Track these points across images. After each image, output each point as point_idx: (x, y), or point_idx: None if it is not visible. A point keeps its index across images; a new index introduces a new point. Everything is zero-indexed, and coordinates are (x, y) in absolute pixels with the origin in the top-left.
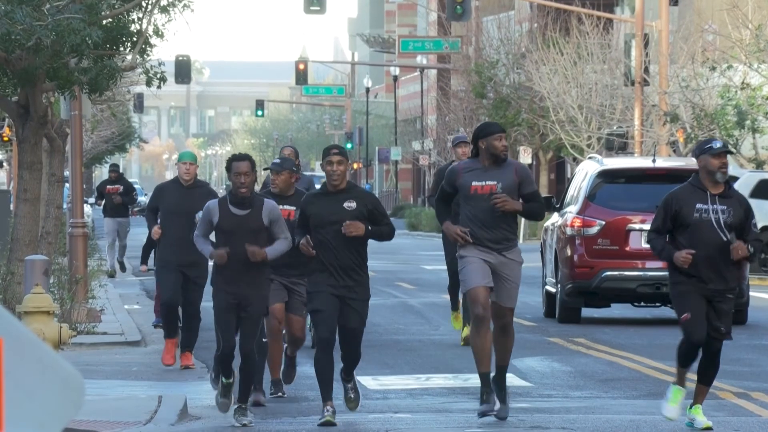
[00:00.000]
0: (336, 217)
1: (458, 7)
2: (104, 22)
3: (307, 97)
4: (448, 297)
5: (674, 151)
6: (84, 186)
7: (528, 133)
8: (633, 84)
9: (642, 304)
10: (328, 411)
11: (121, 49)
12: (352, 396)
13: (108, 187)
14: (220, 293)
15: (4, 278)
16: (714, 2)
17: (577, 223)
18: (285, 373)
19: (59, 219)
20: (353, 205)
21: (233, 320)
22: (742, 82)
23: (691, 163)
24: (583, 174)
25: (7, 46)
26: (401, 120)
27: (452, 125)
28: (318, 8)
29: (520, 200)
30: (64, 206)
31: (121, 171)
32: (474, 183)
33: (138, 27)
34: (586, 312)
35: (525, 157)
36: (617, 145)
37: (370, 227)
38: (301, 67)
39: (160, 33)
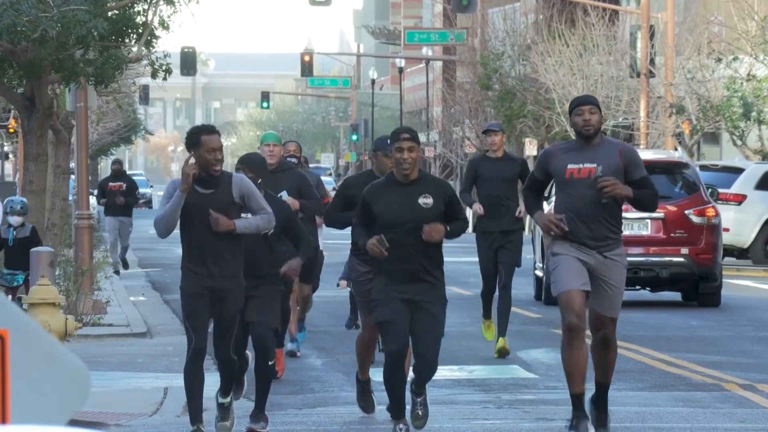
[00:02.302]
0: (411, 215)
1: None
2: (110, 13)
3: (313, 88)
4: (456, 290)
5: (680, 142)
6: (90, 178)
7: (534, 124)
8: (639, 76)
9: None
10: (400, 430)
11: (127, 40)
12: (420, 413)
13: (110, 184)
14: (189, 279)
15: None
16: None
17: None
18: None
19: (65, 211)
20: (430, 201)
21: (205, 310)
22: (748, 74)
23: (671, 155)
24: None
25: (12, 37)
26: (406, 112)
27: (458, 117)
28: (323, 0)
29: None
30: (70, 198)
31: (124, 168)
32: (570, 165)
33: (143, 19)
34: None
35: (531, 148)
36: (623, 136)
37: (448, 227)
38: (307, 58)
39: (165, 25)
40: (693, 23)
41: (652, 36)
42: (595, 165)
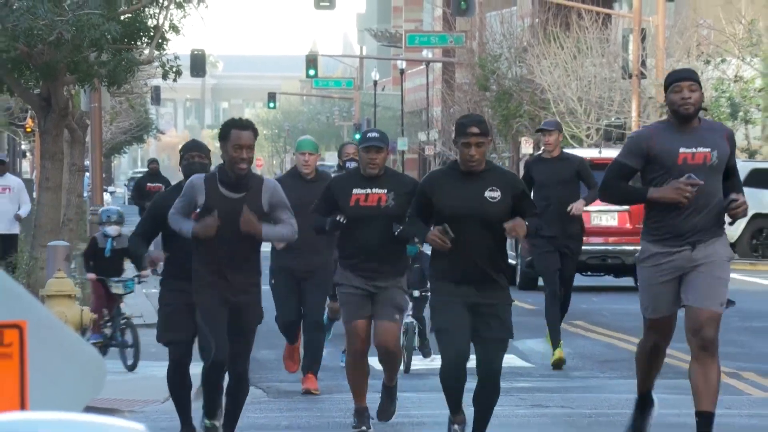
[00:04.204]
0: (476, 209)
1: (462, 2)
2: (122, 17)
3: (317, 89)
4: None
5: None
6: (104, 175)
7: (530, 124)
8: (630, 77)
9: (589, 273)
10: (455, 431)
11: (139, 43)
12: None
13: (149, 185)
14: (206, 288)
15: (27, 263)
16: None
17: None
18: (382, 408)
19: (80, 207)
20: (497, 194)
21: (224, 318)
22: (735, 75)
23: None
24: None
25: (29, 40)
26: (407, 112)
27: (456, 117)
28: (328, 4)
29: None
30: (85, 194)
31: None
32: (683, 149)
33: (155, 22)
34: (582, 297)
35: (526, 147)
36: (615, 135)
37: (527, 223)
38: (312, 60)
39: (176, 28)
40: (683, 26)
41: (643, 39)
42: (710, 149)
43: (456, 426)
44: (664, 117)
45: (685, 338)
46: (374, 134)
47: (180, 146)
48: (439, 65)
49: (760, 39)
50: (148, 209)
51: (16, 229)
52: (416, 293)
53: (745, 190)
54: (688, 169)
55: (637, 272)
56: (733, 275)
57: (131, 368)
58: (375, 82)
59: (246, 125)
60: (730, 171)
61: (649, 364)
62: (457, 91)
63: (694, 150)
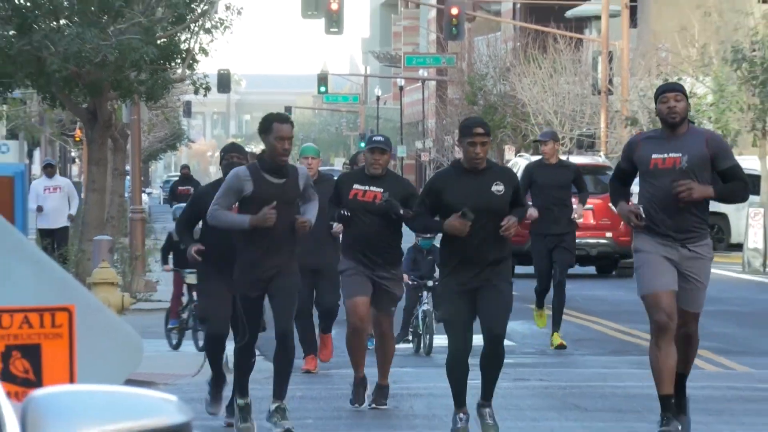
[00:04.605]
0: (485, 202)
1: (454, 29)
2: (159, 41)
3: (327, 104)
4: None
5: None
6: (142, 178)
7: (512, 134)
8: (599, 93)
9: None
10: (461, 420)
11: (173, 64)
12: (491, 422)
13: (180, 188)
14: (246, 269)
15: (76, 255)
16: (667, 25)
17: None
18: (374, 401)
19: (121, 206)
20: (501, 188)
21: (261, 301)
22: (690, 92)
23: (597, 160)
24: (518, 167)
25: (78, 62)
26: (406, 123)
27: (449, 128)
28: (336, 30)
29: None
30: (126, 195)
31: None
32: (654, 155)
33: (187, 46)
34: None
35: (509, 153)
36: (586, 144)
37: (516, 217)
38: (323, 78)
39: (204, 51)
40: (644, 49)
41: (610, 60)
42: (680, 154)
43: (461, 415)
44: (629, 129)
45: (647, 321)
46: (379, 138)
47: (210, 151)
48: (433, 83)
49: (711, 61)
50: (191, 200)
51: (66, 222)
52: (430, 283)
53: None
54: (660, 173)
55: (634, 260)
56: None
57: (202, 349)
58: (378, 98)
59: (285, 119)
60: (725, 174)
61: (660, 362)
62: (449, 105)
63: (665, 155)
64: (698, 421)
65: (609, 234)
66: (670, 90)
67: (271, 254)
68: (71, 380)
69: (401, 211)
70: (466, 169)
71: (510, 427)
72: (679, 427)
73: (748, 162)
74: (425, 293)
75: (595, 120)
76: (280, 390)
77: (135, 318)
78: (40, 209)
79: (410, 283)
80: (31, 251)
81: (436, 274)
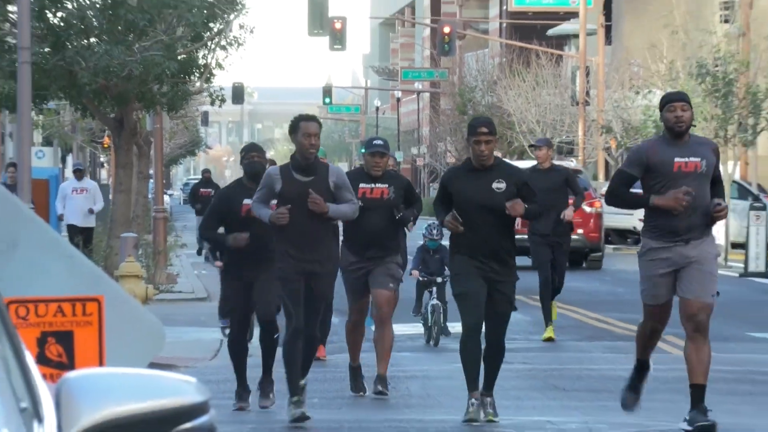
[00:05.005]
0: (483, 198)
1: (446, 46)
2: (179, 57)
3: (332, 113)
4: None
5: (609, 155)
6: (164, 181)
7: (499, 141)
8: (577, 104)
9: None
10: (473, 405)
11: (192, 77)
12: (492, 411)
13: (201, 190)
14: (286, 262)
15: (105, 250)
16: (638, 42)
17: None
18: (354, 382)
19: (145, 206)
20: (502, 185)
21: (301, 292)
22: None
23: (569, 165)
24: None
25: (107, 76)
26: (403, 131)
27: (441, 135)
28: (340, 46)
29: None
30: (149, 196)
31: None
32: (677, 159)
33: (204, 61)
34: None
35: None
36: (565, 150)
37: (526, 206)
38: (327, 91)
39: (220, 65)
40: (618, 64)
41: (587, 74)
42: (700, 159)
43: (473, 400)
44: (604, 136)
45: (618, 310)
46: (379, 141)
47: (225, 156)
48: (427, 95)
49: (678, 75)
50: (214, 201)
51: (92, 223)
52: (439, 279)
53: None
54: (682, 176)
55: (638, 265)
56: None
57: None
58: (377, 108)
59: (312, 117)
60: (716, 179)
61: (645, 342)
62: (441, 115)
63: (687, 159)
64: (667, 400)
65: (580, 231)
66: (677, 100)
67: (306, 248)
68: (100, 363)
69: (399, 215)
70: (474, 166)
71: (497, 406)
72: (638, 397)
73: None
74: (434, 289)
75: (574, 128)
76: (305, 365)
77: (157, 307)
78: (61, 218)
79: (421, 278)
80: (65, 247)
81: (445, 272)
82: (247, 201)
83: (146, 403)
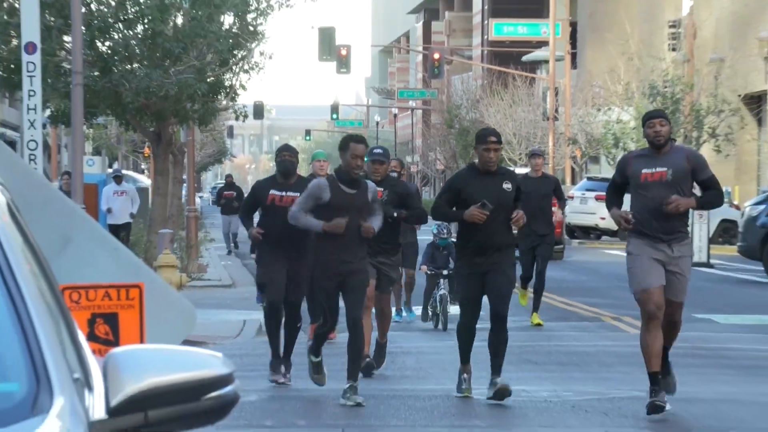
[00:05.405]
0: (497, 197)
1: (435, 70)
2: (208, 80)
3: (338, 127)
4: None
5: (574, 162)
6: (195, 185)
7: None
8: (548, 119)
9: None
10: (464, 380)
11: (219, 96)
12: (500, 383)
13: (225, 192)
14: (328, 268)
15: (145, 245)
16: (599, 67)
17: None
18: (374, 358)
19: (179, 206)
20: (510, 186)
21: (337, 292)
22: (617, 119)
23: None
24: None
25: (147, 95)
26: (399, 142)
27: (432, 146)
28: (345, 70)
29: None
30: (183, 198)
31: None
32: (644, 170)
33: (230, 83)
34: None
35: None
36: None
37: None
38: (335, 108)
39: (243, 86)
40: (582, 85)
41: (556, 94)
42: (666, 169)
43: (465, 375)
44: (570, 147)
45: (583, 295)
46: (379, 150)
47: (247, 164)
48: (419, 111)
49: (633, 95)
50: (251, 192)
51: (128, 219)
52: (445, 272)
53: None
54: (650, 185)
55: (627, 262)
56: (616, 252)
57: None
58: (377, 122)
59: (360, 140)
60: (704, 184)
61: (650, 347)
62: (431, 128)
63: (653, 170)
64: (623, 372)
65: None
66: (655, 117)
67: (343, 252)
68: (141, 341)
69: (395, 213)
70: (480, 170)
71: (477, 377)
72: (666, 399)
73: None
74: (441, 281)
75: (545, 140)
76: (353, 371)
77: (190, 293)
78: (109, 210)
79: (429, 272)
80: (111, 242)
81: (450, 265)
82: (273, 192)
83: (180, 374)
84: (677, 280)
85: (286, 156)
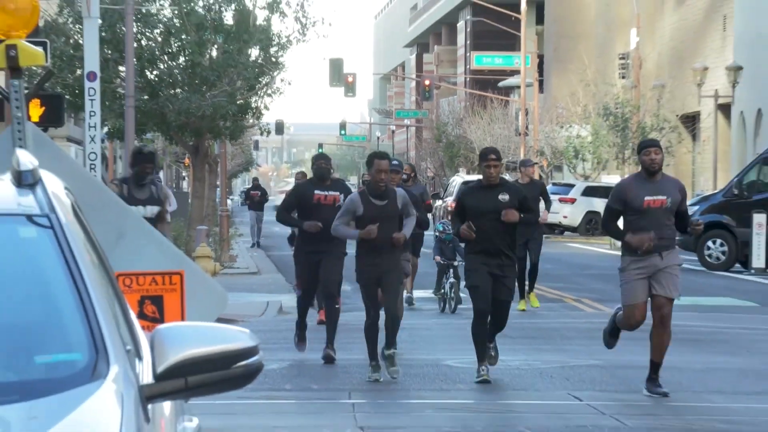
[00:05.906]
0: (491, 207)
1: (426, 93)
2: (238, 102)
3: (345, 141)
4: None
5: (542, 171)
6: (227, 189)
7: (464, 161)
8: (520, 135)
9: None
10: (483, 370)
11: (247, 116)
12: (493, 354)
13: (251, 192)
14: (366, 270)
15: (185, 239)
16: (562, 92)
17: (453, 204)
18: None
19: (214, 207)
20: (506, 197)
21: (377, 292)
22: (577, 135)
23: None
24: (456, 182)
25: (187, 115)
26: (396, 154)
27: (423, 157)
28: (351, 94)
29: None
30: (217, 200)
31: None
32: (647, 198)
33: (256, 104)
34: None
35: (463, 174)
36: (512, 167)
37: (522, 215)
38: (342, 125)
39: (267, 107)
40: (548, 107)
41: (527, 114)
42: (665, 197)
43: (483, 367)
44: (539, 159)
45: (549, 280)
46: (395, 162)
47: (270, 172)
48: (413, 128)
49: (590, 115)
50: (290, 191)
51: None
52: (455, 263)
53: (580, 199)
54: (651, 212)
55: (620, 278)
56: (576, 245)
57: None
58: (378, 137)
59: (384, 156)
60: (682, 214)
61: (623, 327)
62: (423, 142)
63: (654, 197)
64: (583, 345)
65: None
66: (651, 145)
67: (378, 257)
68: (182, 319)
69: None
70: (484, 185)
71: (459, 349)
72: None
73: (614, 179)
74: (450, 270)
75: (517, 152)
76: (391, 341)
77: (222, 279)
78: None
79: (442, 262)
80: (156, 236)
81: (457, 258)
82: (317, 192)
83: (214, 347)
84: (669, 276)
85: (321, 164)
